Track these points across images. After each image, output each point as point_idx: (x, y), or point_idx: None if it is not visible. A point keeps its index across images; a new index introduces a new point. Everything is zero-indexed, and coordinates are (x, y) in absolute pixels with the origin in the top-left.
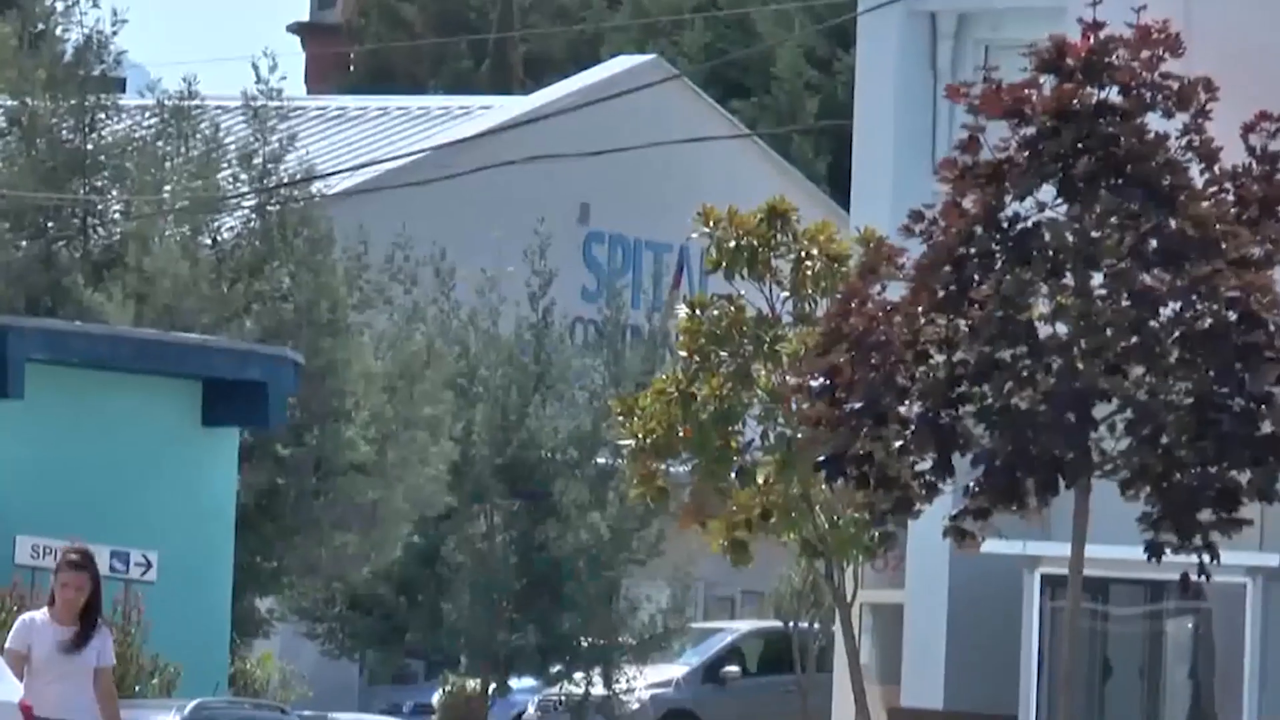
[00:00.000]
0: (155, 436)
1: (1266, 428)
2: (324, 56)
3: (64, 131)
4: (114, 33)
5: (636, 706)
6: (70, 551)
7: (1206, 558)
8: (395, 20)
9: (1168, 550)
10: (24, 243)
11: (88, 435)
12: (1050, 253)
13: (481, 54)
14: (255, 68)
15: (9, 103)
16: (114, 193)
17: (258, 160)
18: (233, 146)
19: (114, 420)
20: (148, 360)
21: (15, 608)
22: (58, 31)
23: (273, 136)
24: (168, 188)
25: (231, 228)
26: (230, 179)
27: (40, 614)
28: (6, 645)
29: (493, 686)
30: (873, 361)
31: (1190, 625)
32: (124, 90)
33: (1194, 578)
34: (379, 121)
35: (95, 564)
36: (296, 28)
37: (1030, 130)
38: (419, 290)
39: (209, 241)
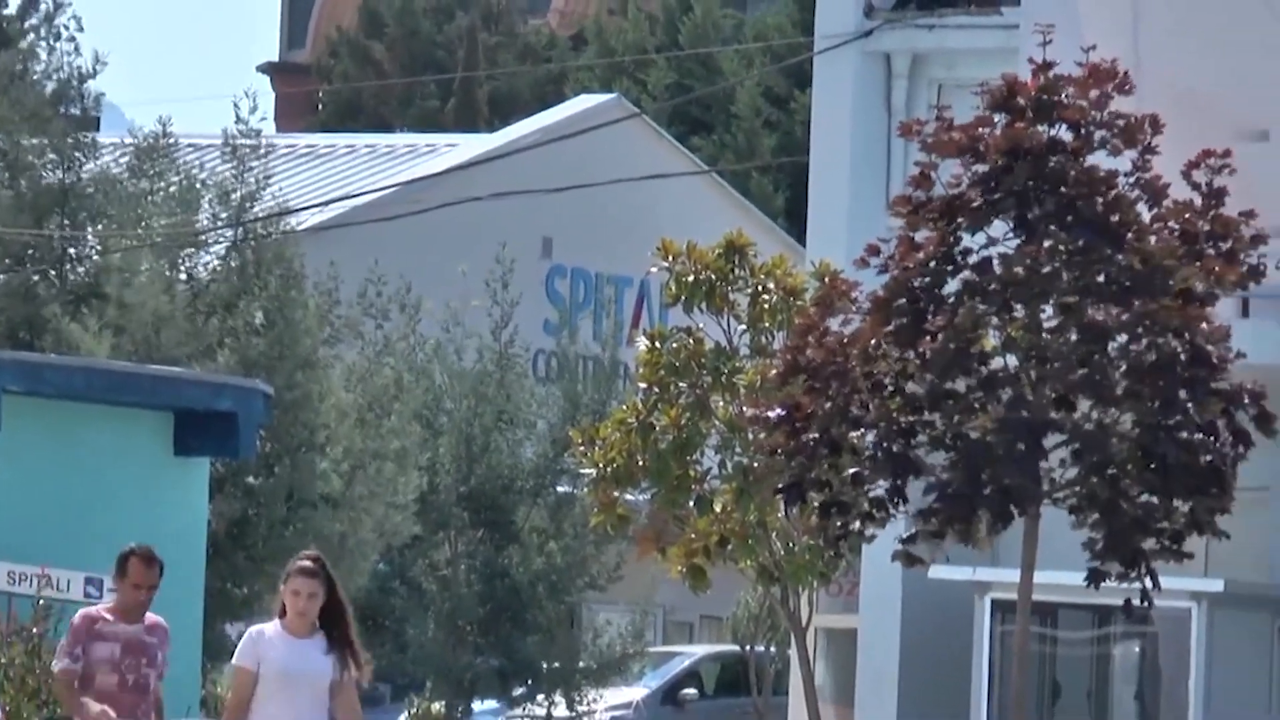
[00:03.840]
0: (128, 466)
1: (1208, 459)
2: (293, 95)
3: (45, 168)
4: (94, 74)
5: None
6: (303, 557)
7: (1149, 583)
8: (363, 60)
9: (1109, 578)
10: (3, 275)
11: (62, 464)
12: (1001, 287)
13: (448, 93)
14: (236, 107)
15: None
16: (92, 228)
17: (235, 198)
18: (209, 184)
19: (87, 450)
20: (121, 391)
21: None
22: (40, 72)
23: (250, 175)
24: (142, 226)
25: (207, 263)
26: (209, 216)
27: (271, 626)
28: (234, 662)
29: (458, 709)
30: (829, 392)
31: (1137, 649)
32: (98, 128)
33: (1136, 603)
34: (347, 159)
35: (328, 569)
36: (266, 67)
37: (982, 167)
38: (388, 324)
39: (185, 277)
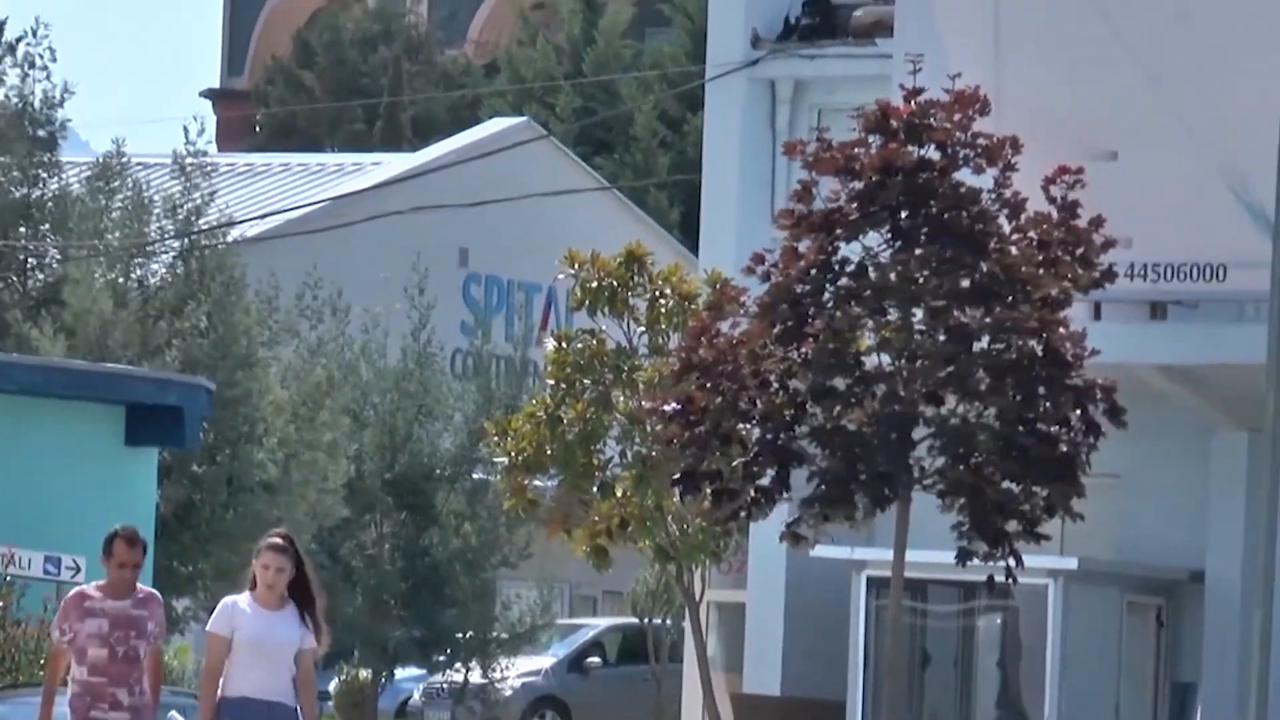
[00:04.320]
0: (83, 455)
1: (1063, 449)
2: (233, 119)
3: (11, 185)
4: (62, 102)
5: (509, 693)
6: (273, 534)
7: (1011, 562)
8: (296, 86)
9: (975, 557)
10: None
11: (23, 454)
12: (876, 292)
13: (373, 116)
14: (185, 131)
15: None
16: (53, 240)
17: (182, 212)
18: (158, 200)
19: (46, 441)
20: (76, 388)
21: None
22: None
23: (196, 193)
24: (98, 238)
25: (156, 272)
26: (158, 229)
27: (243, 598)
28: (209, 629)
29: (383, 675)
30: (720, 389)
31: (999, 621)
32: (57, 147)
33: (999, 580)
34: (283, 176)
35: (297, 546)
36: (208, 93)
37: (859, 184)
38: (321, 327)
39: (136, 284)
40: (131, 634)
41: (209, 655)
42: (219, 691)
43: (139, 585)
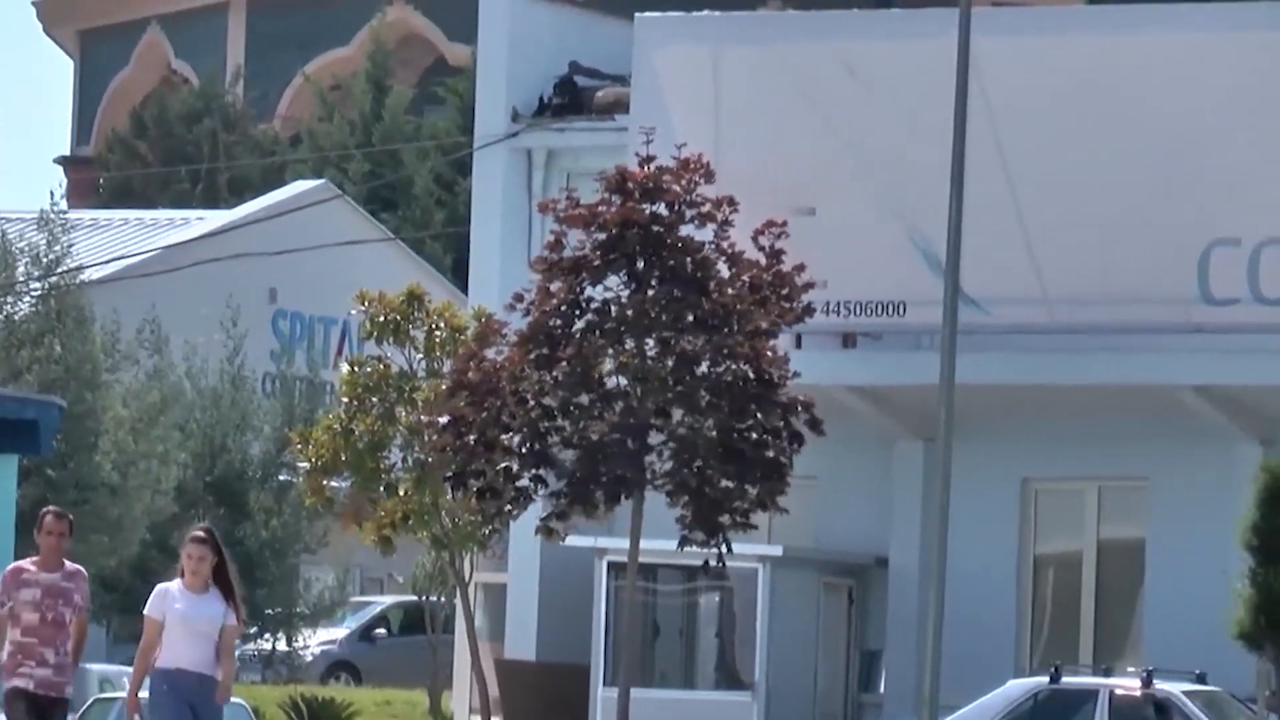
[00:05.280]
0: None
1: (771, 454)
2: (82, 181)
3: None
4: None
5: (310, 659)
6: (197, 528)
7: (725, 549)
8: (133, 154)
9: (694, 544)
10: None
11: None
12: (615, 325)
13: (196, 179)
14: (52, 194)
15: None
16: None
17: (46, 260)
18: (23, 250)
19: None
20: None
21: None
22: None
23: (57, 245)
24: None
25: (20, 309)
26: (24, 273)
27: (174, 584)
28: (145, 612)
29: None
30: (485, 405)
31: (717, 599)
32: None
33: (715, 564)
34: (122, 229)
35: (216, 538)
36: (60, 159)
37: (601, 236)
38: (156, 357)
39: (3, 319)
40: (60, 602)
41: (145, 634)
42: (155, 664)
43: (66, 562)
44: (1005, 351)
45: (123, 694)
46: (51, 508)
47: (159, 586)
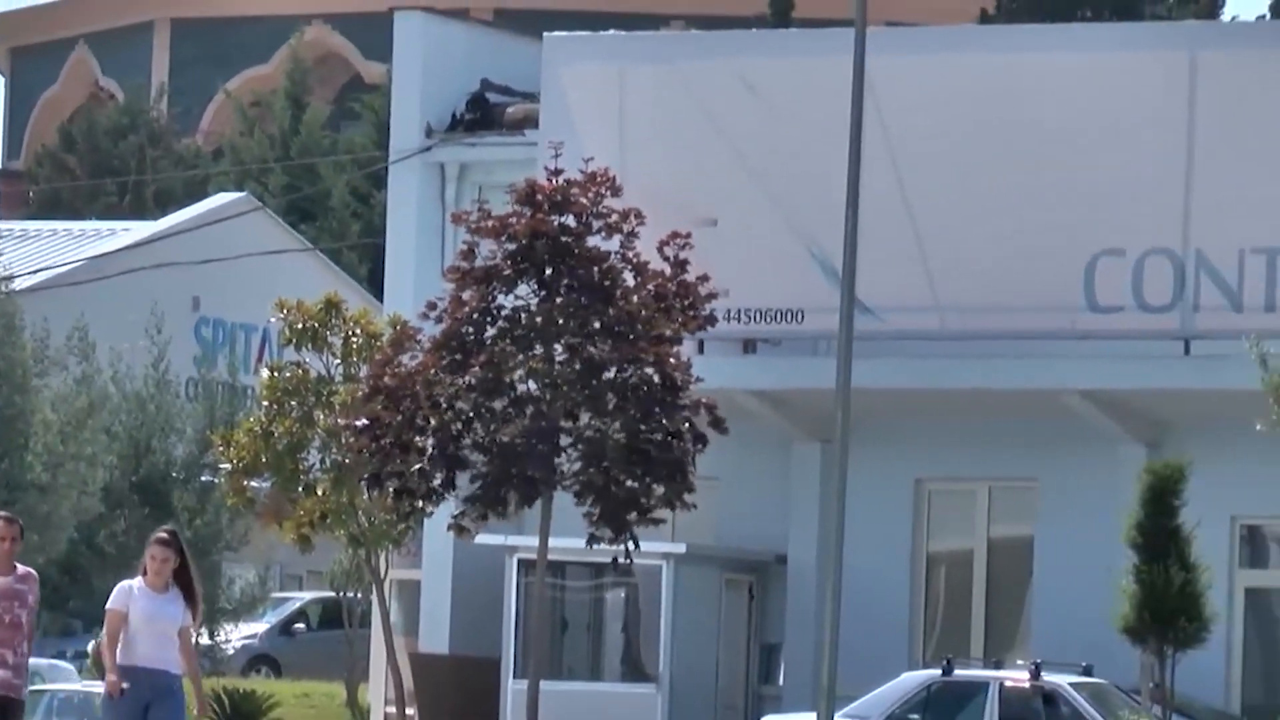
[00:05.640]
0: None
1: (675, 455)
2: (11, 193)
3: None
4: None
5: (232, 652)
6: (161, 530)
7: (632, 546)
8: (62, 167)
9: (602, 542)
10: None
11: None
12: (525, 332)
13: (123, 191)
14: None
15: None
16: None
17: None
18: None
19: None
20: None
21: None
22: None
23: None
24: None
25: None
26: None
27: (136, 582)
28: (109, 606)
29: None
30: (400, 409)
31: (623, 594)
32: None
33: (622, 561)
34: (51, 240)
35: (180, 540)
36: None
37: (512, 246)
38: (85, 362)
39: None
40: (15, 604)
41: (108, 627)
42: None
43: (17, 565)
44: (899, 357)
45: (52, 686)
46: (2, 512)
47: (122, 583)
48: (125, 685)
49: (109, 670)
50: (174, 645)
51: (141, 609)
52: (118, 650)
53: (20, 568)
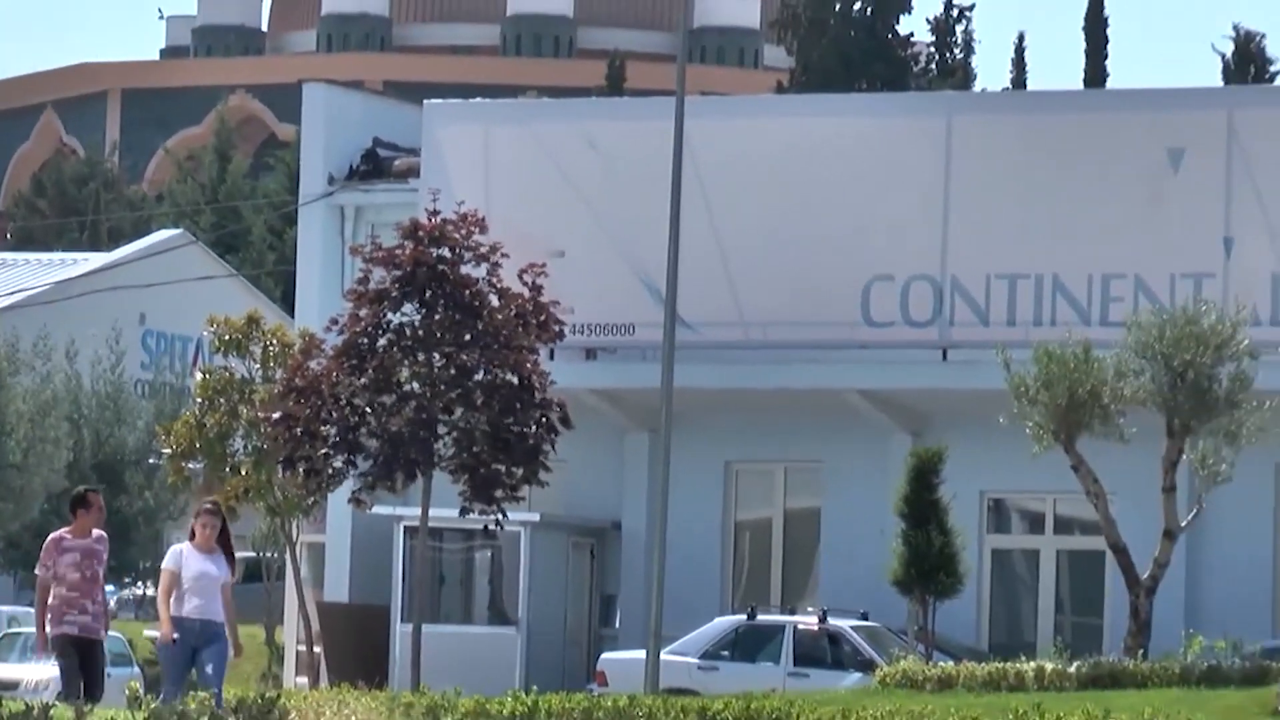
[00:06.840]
0: None
1: (532, 443)
2: None
3: None
4: None
5: None
6: (207, 502)
7: (498, 516)
8: (34, 209)
9: (473, 512)
10: None
11: None
12: (410, 342)
13: (84, 228)
14: None
15: None
16: None
17: None
18: None
19: None
20: None
21: None
22: None
23: None
24: None
25: None
26: None
27: (185, 545)
28: (164, 565)
29: None
30: (309, 405)
31: (490, 555)
32: None
33: (492, 528)
34: (25, 268)
35: (221, 510)
36: None
37: (399, 273)
38: (49, 364)
39: None
40: (94, 561)
41: (163, 583)
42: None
43: (94, 530)
44: (712, 363)
45: (26, 629)
46: (86, 490)
47: (173, 547)
48: (175, 636)
49: (164, 622)
50: (218, 598)
51: (193, 567)
52: (170, 603)
53: (95, 531)
